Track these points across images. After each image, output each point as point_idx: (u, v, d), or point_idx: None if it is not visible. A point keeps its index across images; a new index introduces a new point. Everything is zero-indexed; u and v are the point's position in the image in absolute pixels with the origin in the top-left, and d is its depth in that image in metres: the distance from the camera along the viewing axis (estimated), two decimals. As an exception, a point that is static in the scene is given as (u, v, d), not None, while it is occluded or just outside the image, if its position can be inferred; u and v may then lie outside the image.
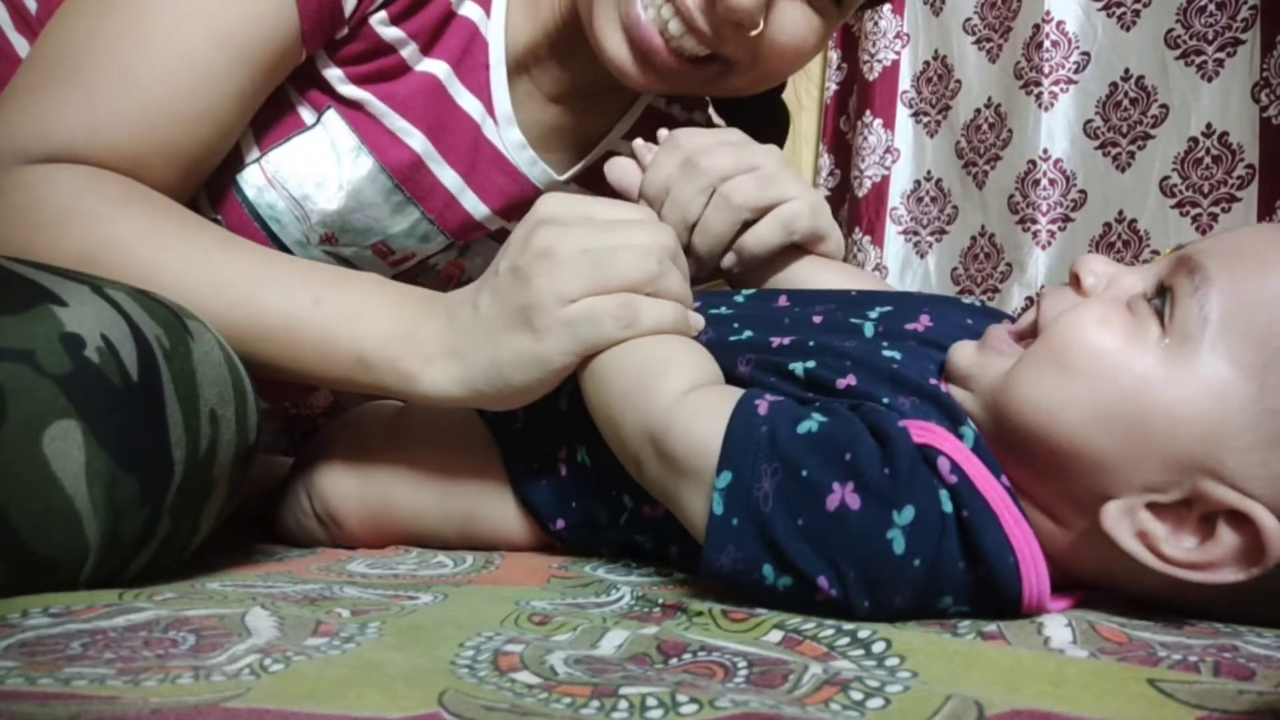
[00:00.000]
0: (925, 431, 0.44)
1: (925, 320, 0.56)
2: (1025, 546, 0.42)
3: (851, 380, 0.49)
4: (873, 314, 0.57)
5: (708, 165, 0.65)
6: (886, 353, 0.51)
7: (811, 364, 0.51)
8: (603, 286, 0.52)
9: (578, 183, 0.82)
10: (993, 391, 0.46)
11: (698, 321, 0.56)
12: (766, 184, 0.66)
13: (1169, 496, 0.41)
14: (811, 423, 0.45)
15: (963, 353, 0.50)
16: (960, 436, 0.45)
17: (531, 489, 0.62)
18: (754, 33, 0.65)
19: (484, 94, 0.73)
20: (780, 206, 0.66)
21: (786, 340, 0.54)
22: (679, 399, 0.47)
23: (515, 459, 0.63)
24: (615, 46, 0.67)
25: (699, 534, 0.45)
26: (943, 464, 0.43)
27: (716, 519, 0.44)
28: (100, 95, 0.59)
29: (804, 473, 0.43)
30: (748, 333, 0.57)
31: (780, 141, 0.91)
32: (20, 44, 0.72)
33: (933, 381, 0.49)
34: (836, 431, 0.44)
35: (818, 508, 0.42)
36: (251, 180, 0.69)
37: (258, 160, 0.69)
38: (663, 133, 0.69)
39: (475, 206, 0.76)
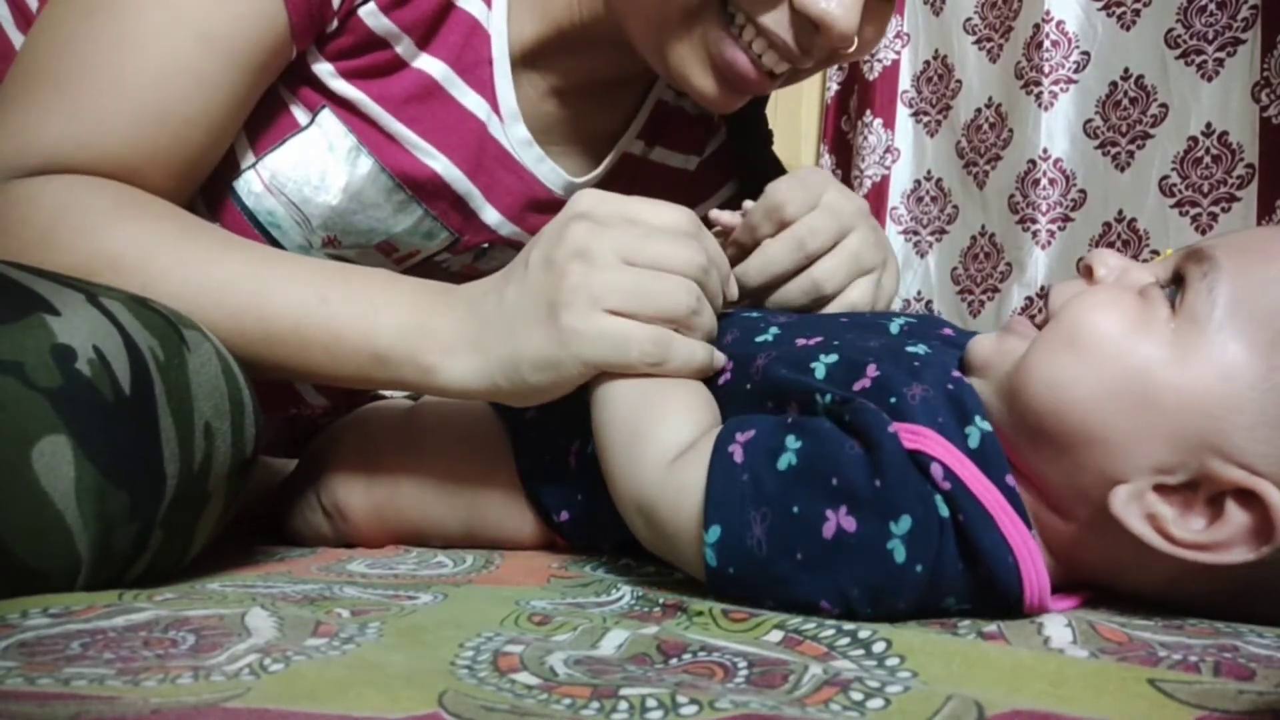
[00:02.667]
0: (917, 436, 0.44)
1: (949, 331, 0.56)
2: (1023, 546, 0.42)
3: (870, 376, 0.48)
4: (899, 319, 0.58)
5: (813, 247, 0.63)
6: (910, 349, 0.51)
7: (834, 359, 0.50)
8: (640, 310, 0.51)
9: (596, 188, 0.81)
10: (1008, 376, 0.46)
11: (719, 360, 0.55)
12: (852, 265, 0.64)
13: (1176, 478, 0.42)
14: (789, 454, 0.44)
15: (982, 342, 0.50)
16: (965, 436, 0.45)
17: (539, 480, 0.62)
18: (850, 50, 0.65)
19: (488, 91, 0.71)
20: (845, 290, 0.64)
21: (813, 341, 0.54)
22: (663, 476, 0.47)
23: (525, 449, 0.63)
24: (704, 83, 0.66)
25: (699, 577, 0.46)
26: (936, 470, 0.43)
27: (713, 570, 0.44)
28: (87, 104, 0.57)
29: (794, 509, 0.43)
30: (774, 330, 0.57)
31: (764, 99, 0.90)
32: (21, 41, 0.72)
33: (955, 374, 0.48)
34: (817, 457, 0.44)
35: (815, 539, 0.42)
36: (249, 187, 0.68)
37: (253, 165, 0.67)
38: (747, 206, 0.67)
39: (481, 207, 0.75)
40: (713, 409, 0.52)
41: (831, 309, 0.64)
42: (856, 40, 0.64)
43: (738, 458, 0.45)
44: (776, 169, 0.90)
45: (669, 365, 0.52)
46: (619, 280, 0.51)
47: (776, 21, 0.63)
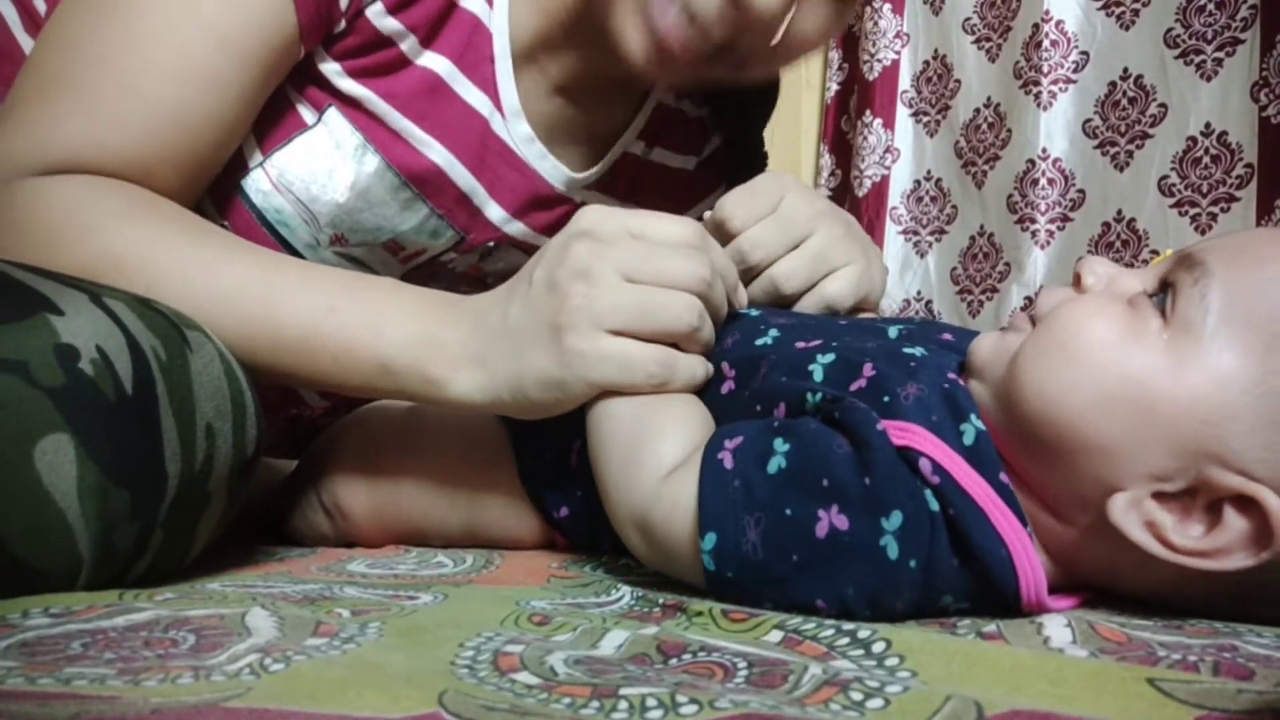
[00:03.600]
0: (905, 433, 0.44)
1: (948, 335, 0.56)
2: (1016, 539, 0.43)
3: (866, 376, 0.48)
4: (898, 324, 0.58)
5: (756, 259, 0.63)
6: (907, 350, 0.51)
7: (831, 358, 0.51)
8: (641, 329, 0.51)
9: (596, 188, 0.81)
10: (1002, 379, 0.46)
11: (709, 370, 0.55)
12: (817, 263, 0.64)
13: (1174, 485, 0.42)
14: (779, 458, 0.45)
15: (984, 342, 0.50)
16: (960, 434, 0.45)
17: (539, 478, 0.62)
18: (774, 41, 0.64)
19: (490, 88, 0.72)
20: (823, 283, 0.65)
21: (813, 343, 0.54)
22: (656, 490, 0.48)
23: (525, 448, 0.63)
24: (635, 46, 0.66)
25: (700, 586, 0.46)
26: (924, 465, 0.43)
27: (711, 574, 0.44)
28: (101, 104, 0.58)
29: (787, 512, 0.43)
30: (774, 333, 0.57)
31: (770, 107, 0.90)
32: (29, 45, 0.72)
33: (950, 375, 0.48)
34: (806, 459, 0.44)
35: (809, 539, 0.43)
36: (257, 185, 0.68)
37: (261, 164, 0.68)
38: (705, 217, 0.67)
39: (485, 203, 0.76)
40: (708, 423, 0.52)
41: (806, 303, 0.65)
42: (782, 30, 0.63)
43: (728, 464, 0.45)
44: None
45: (673, 385, 0.52)
46: (620, 300, 0.51)
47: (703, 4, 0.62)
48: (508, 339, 0.54)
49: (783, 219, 0.64)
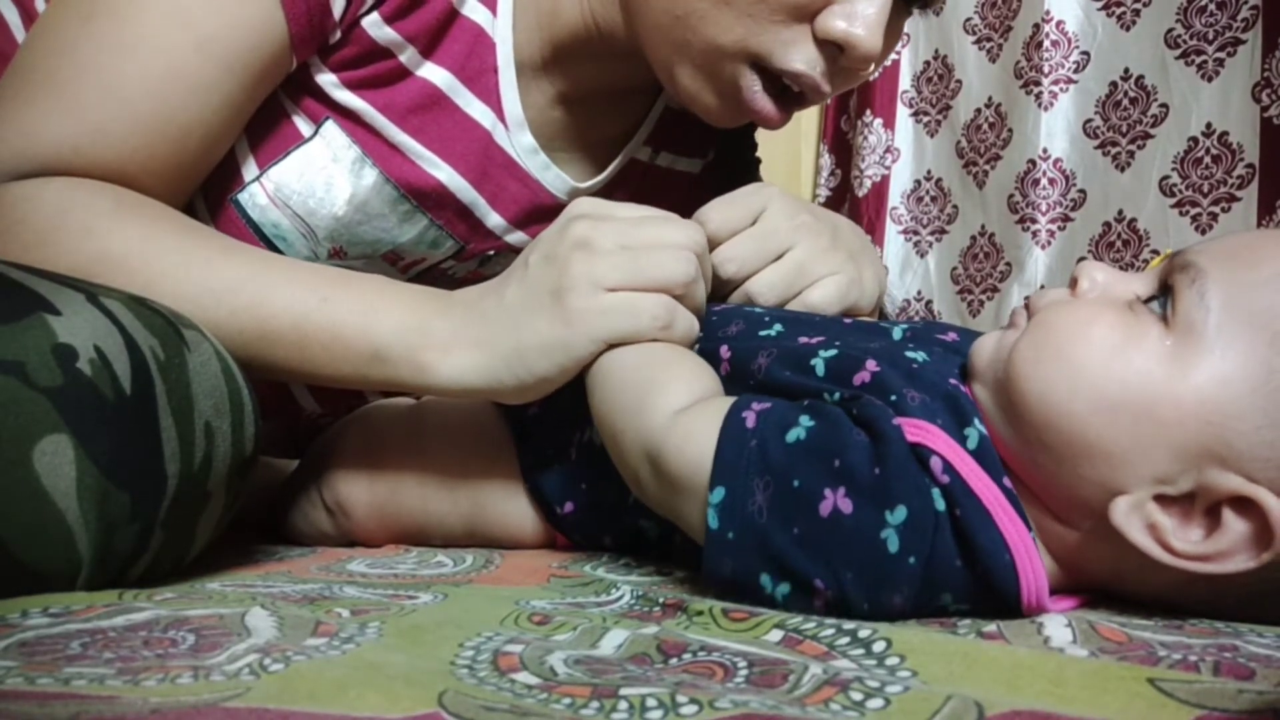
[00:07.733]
0: (919, 430, 0.44)
1: (953, 335, 0.56)
2: (1020, 544, 0.43)
3: (870, 370, 0.49)
4: (902, 325, 0.58)
5: (729, 272, 0.63)
6: (909, 354, 0.51)
7: (832, 353, 0.51)
8: (641, 282, 0.53)
9: (601, 193, 0.81)
10: (1002, 380, 0.46)
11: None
12: (797, 276, 0.64)
13: (1176, 488, 0.42)
14: (800, 430, 0.45)
15: (985, 344, 0.50)
16: (964, 438, 0.45)
17: (541, 474, 0.62)
18: (870, 71, 0.65)
19: (493, 99, 0.71)
20: (806, 291, 0.64)
21: (815, 340, 0.54)
22: (671, 420, 0.48)
23: (527, 445, 0.63)
24: (711, 108, 0.67)
25: (700, 542, 0.46)
26: (935, 463, 0.43)
27: (713, 533, 0.44)
28: (84, 108, 0.58)
29: (795, 482, 0.43)
30: (778, 327, 0.57)
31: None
32: None
33: (951, 381, 0.48)
34: (825, 436, 0.44)
35: (811, 515, 0.43)
36: (254, 200, 0.67)
37: (258, 178, 0.67)
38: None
39: (486, 214, 0.75)
40: (716, 379, 0.53)
41: (792, 309, 0.65)
42: (873, 69, 0.65)
43: (750, 423, 0.45)
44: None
45: (675, 330, 0.53)
46: (618, 260, 0.53)
47: (807, 61, 0.63)
48: (505, 317, 0.54)
49: (761, 232, 0.64)
